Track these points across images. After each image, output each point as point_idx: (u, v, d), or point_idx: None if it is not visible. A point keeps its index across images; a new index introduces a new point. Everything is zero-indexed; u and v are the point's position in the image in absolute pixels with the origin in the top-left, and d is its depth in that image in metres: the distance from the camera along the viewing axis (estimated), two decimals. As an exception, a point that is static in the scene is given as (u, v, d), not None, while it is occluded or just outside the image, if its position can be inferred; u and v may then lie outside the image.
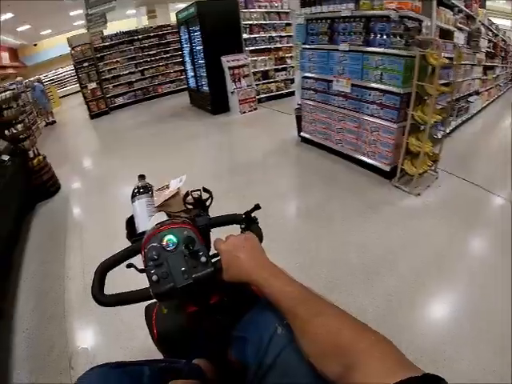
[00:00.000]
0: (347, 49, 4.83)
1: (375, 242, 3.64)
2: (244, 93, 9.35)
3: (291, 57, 10.95)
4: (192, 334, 1.28)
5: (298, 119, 6.69)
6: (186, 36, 10.24)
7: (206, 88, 9.97)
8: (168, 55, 14.25)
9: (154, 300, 1.04)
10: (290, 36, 10.52)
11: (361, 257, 3.44)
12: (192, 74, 10.83)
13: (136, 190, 1.33)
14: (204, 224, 1.18)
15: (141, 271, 1.05)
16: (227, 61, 9.11)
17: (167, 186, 1.46)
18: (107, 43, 12.97)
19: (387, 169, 4.78)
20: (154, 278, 0.98)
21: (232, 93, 9.26)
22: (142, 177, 1.40)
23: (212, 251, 1.10)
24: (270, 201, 4.59)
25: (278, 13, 10.57)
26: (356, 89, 4.94)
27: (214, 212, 1.31)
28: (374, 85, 4.62)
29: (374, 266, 3.28)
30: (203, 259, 1.01)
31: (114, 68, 13.29)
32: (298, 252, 3.59)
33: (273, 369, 0.91)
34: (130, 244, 1.20)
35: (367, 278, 3.15)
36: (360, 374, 0.64)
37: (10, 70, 18.21)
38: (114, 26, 14.14)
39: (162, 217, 1.22)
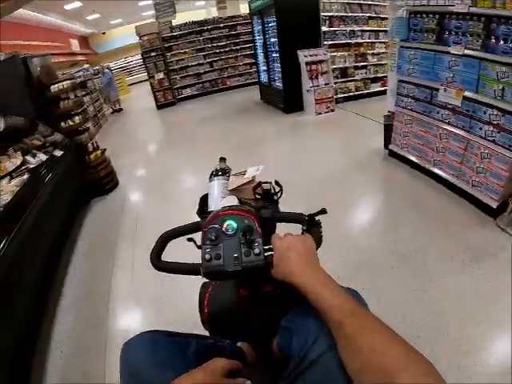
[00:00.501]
0: (461, 52, 3.88)
1: (470, 304, 2.71)
2: (321, 92, 8.44)
3: (373, 54, 9.97)
4: (241, 318, 1.31)
5: (388, 128, 5.64)
6: (260, 27, 9.42)
7: (278, 84, 9.18)
8: (238, 47, 13.56)
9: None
10: (373, 31, 9.67)
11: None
12: (264, 67, 10.02)
13: (215, 171, 1.39)
14: (267, 216, 1.19)
15: (198, 247, 1.10)
16: (304, 55, 8.23)
17: (244, 173, 1.51)
18: (175, 33, 12.55)
19: (494, 205, 3.77)
20: (207, 256, 1.03)
21: (308, 91, 8.38)
22: (223, 159, 1.46)
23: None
24: (349, 229, 3.96)
25: (359, 4, 9.56)
26: (468, 103, 3.96)
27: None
28: (491, 101, 3.64)
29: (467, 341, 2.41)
30: (257, 250, 1.03)
31: (182, 59, 12.84)
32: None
33: (314, 366, 0.88)
34: (199, 219, 1.26)
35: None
36: None
37: (80, 58, 18.31)
38: (183, 17, 13.73)
39: (233, 200, 1.26)
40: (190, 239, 1.15)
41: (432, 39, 4.30)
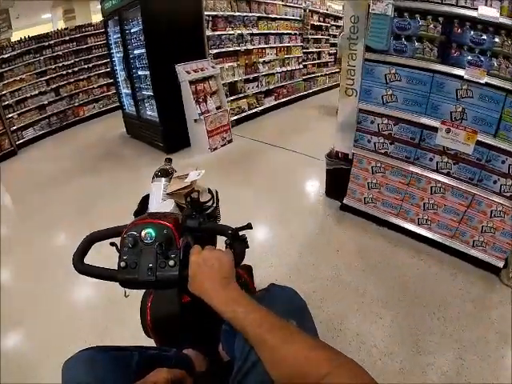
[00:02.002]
0: (480, 80, 2.76)
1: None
2: (214, 119, 6.08)
3: (264, 62, 8.09)
4: (185, 324, 1.33)
5: (332, 174, 4.30)
6: (118, 36, 6.77)
7: (151, 113, 6.65)
8: (90, 65, 10.56)
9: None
10: (263, 34, 7.88)
11: None
12: (128, 91, 7.38)
13: (158, 171, 1.43)
14: (193, 227, 1.18)
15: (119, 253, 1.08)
16: (186, 71, 5.82)
17: (186, 176, 1.48)
18: (6, 55, 9.14)
19: (500, 264, 3.20)
20: (122, 264, 1.03)
21: (195, 121, 5.96)
22: (169, 160, 1.52)
23: None
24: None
25: (248, 2, 7.46)
26: (481, 149, 3.00)
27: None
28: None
29: None
30: (171, 262, 1.03)
31: (18, 89, 9.50)
32: None
33: (256, 366, 0.90)
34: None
35: None
36: None
37: None
38: (25, 34, 10.17)
39: (170, 205, 1.30)
40: (112, 243, 1.10)
41: (432, 54, 2.99)
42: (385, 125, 3.45)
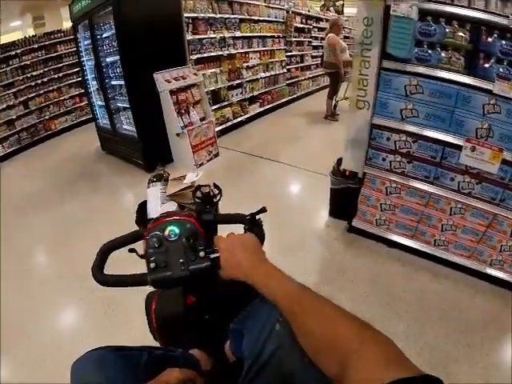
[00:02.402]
0: (510, 95, 2.44)
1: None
2: (198, 132, 5.46)
3: (248, 67, 7.56)
4: (190, 325, 1.32)
5: (340, 194, 3.83)
6: (88, 41, 6.08)
7: (128, 128, 5.99)
8: (60, 74, 9.76)
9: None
10: (246, 37, 7.37)
11: None
12: (101, 103, 6.68)
13: (152, 177, 1.42)
14: (209, 220, 1.18)
15: (141, 257, 1.08)
16: (166, 80, 5.19)
17: (183, 177, 1.49)
18: (-33, 66, 8.46)
19: None
20: (152, 265, 1.01)
21: (178, 135, 5.33)
22: (162, 165, 1.57)
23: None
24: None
25: (230, 3, 6.88)
26: (505, 168, 2.73)
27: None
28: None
29: None
30: (202, 254, 1.03)
31: (-17, 103, 8.74)
32: None
33: (268, 366, 0.91)
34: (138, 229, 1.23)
35: None
36: (354, 372, 0.63)
37: None
38: None
39: (172, 206, 1.31)
40: (131, 250, 1.10)
41: (459, 64, 2.67)
42: (403, 142, 3.07)
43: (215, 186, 1.34)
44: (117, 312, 2.98)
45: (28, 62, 9.10)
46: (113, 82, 5.76)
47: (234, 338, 1.16)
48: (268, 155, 5.68)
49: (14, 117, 9.09)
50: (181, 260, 1.02)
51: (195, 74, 5.51)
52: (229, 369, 1.19)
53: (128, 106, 5.44)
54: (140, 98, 5.20)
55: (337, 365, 0.68)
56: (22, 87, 9.11)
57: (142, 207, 1.36)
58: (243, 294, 1.10)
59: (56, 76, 9.64)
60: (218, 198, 1.33)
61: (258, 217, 1.22)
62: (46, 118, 9.69)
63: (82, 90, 9.63)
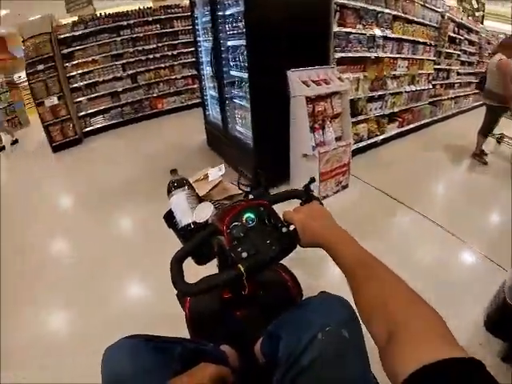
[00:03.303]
0: None
1: None
2: (331, 156, 3.95)
3: (394, 76, 5.99)
4: (223, 320, 1.30)
5: None
6: (207, 19, 4.88)
7: (243, 132, 4.65)
8: (175, 52, 8.75)
9: None
10: (397, 40, 5.82)
11: None
12: (213, 93, 5.44)
13: (171, 185, 1.34)
14: (273, 199, 1.19)
15: (199, 263, 1.21)
16: (303, 81, 3.75)
17: (205, 176, 1.52)
18: (78, 32, 7.64)
19: None
20: (244, 254, 0.97)
21: (306, 156, 3.89)
22: (174, 171, 1.41)
23: None
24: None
25: None
26: None
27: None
28: None
29: None
30: (284, 229, 1.02)
31: (90, 71, 7.98)
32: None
33: (307, 371, 0.88)
34: (177, 235, 1.30)
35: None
36: (399, 346, 0.62)
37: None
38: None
39: (208, 206, 1.24)
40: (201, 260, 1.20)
41: None
42: None
43: (259, 172, 1.30)
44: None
45: (140, 35, 8.26)
46: (232, 73, 4.45)
47: (269, 339, 1.08)
48: (410, 201, 4.09)
49: (119, 89, 8.33)
50: (268, 241, 0.98)
51: (340, 79, 4.03)
52: (259, 369, 1.14)
53: (247, 105, 4.10)
54: (264, 98, 3.84)
55: (385, 333, 0.66)
56: (131, 60, 8.30)
57: (169, 218, 1.32)
58: (279, 298, 1.20)
59: (170, 53, 8.67)
60: (266, 181, 1.29)
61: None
62: (154, 95, 8.82)
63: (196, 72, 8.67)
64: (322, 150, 3.80)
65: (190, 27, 7.67)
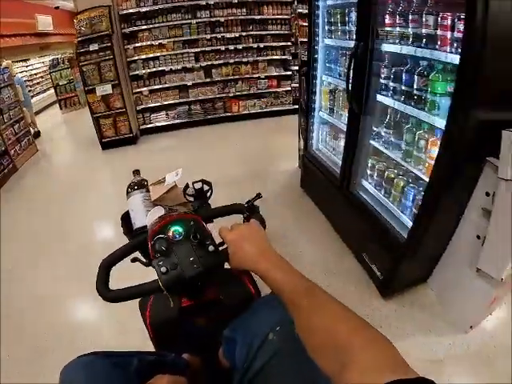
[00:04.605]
0: None
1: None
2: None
3: None
4: (184, 329, 1.27)
5: None
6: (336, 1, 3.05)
7: (382, 199, 2.70)
8: (261, 45, 6.80)
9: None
10: None
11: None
12: (329, 117, 3.53)
13: (130, 186, 1.30)
14: (207, 215, 1.17)
15: (146, 265, 1.03)
16: None
17: (163, 180, 1.44)
18: (146, 8, 6.02)
19: None
20: (163, 269, 0.94)
21: (479, 271, 2.02)
22: (136, 172, 1.37)
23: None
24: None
25: None
26: None
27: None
28: None
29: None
30: (211, 248, 0.98)
31: (155, 57, 6.37)
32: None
33: (260, 374, 0.91)
34: (129, 239, 1.20)
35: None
36: (351, 372, 0.59)
37: (58, 39, 11.87)
38: None
39: (160, 210, 1.20)
40: (134, 259, 1.02)
41: None
42: None
43: (204, 181, 1.25)
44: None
45: (221, 20, 6.40)
46: (382, 99, 2.49)
47: (227, 345, 1.09)
48: None
49: (189, 83, 6.59)
50: (191, 258, 0.95)
51: None
52: (221, 375, 1.12)
53: (403, 163, 2.34)
54: (452, 166, 1.92)
55: (336, 364, 0.62)
56: (207, 49, 6.50)
57: (126, 218, 1.26)
58: (240, 300, 1.12)
59: (255, 46, 6.75)
60: (209, 193, 1.26)
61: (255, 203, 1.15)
62: (230, 95, 6.97)
63: (284, 72, 6.87)
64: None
65: (282, 17, 6.17)
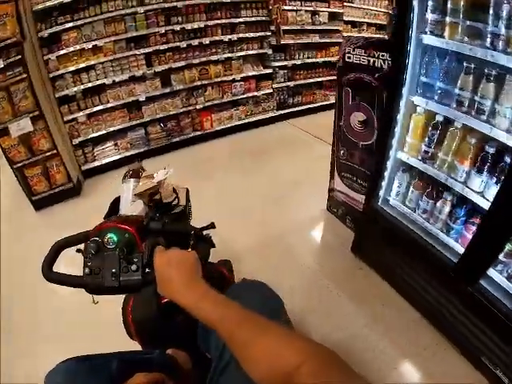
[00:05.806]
0: None
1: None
2: None
3: None
4: (166, 325, 1.27)
5: None
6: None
7: None
8: (234, 36, 5.01)
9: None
10: None
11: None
12: (420, 165, 2.06)
13: (127, 172, 1.30)
14: (156, 228, 1.08)
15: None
16: None
17: (151, 176, 1.40)
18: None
19: None
20: (87, 270, 0.96)
21: None
22: (139, 159, 1.39)
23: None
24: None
25: None
26: None
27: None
28: None
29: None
30: (134, 267, 0.95)
31: (91, 67, 4.37)
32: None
33: (230, 364, 0.90)
34: None
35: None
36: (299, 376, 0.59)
37: None
38: None
39: (139, 206, 1.19)
40: (78, 250, 1.02)
41: None
42: None
43: (174, 190, 1.24)
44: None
45: (179, 5, 4.55)
46: None
47: (201, 336, 1.12)
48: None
49: (141, 98, 4.72)
50: (113, 270, 0.92)
51: None
52: (207, 366, 1.08)
53: None
54: None
55: None
56: (161, 48, 4.68)
57: (116, 203, 1.26)
58: (221, 289, 0.99)
59: (226, 38, 4.97)
60: (176, 202, 1.23)
61: (206, 232, 1.12)
62: (198, 107, 5.11)
63: (265, 71, 5.29)
64: None
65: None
